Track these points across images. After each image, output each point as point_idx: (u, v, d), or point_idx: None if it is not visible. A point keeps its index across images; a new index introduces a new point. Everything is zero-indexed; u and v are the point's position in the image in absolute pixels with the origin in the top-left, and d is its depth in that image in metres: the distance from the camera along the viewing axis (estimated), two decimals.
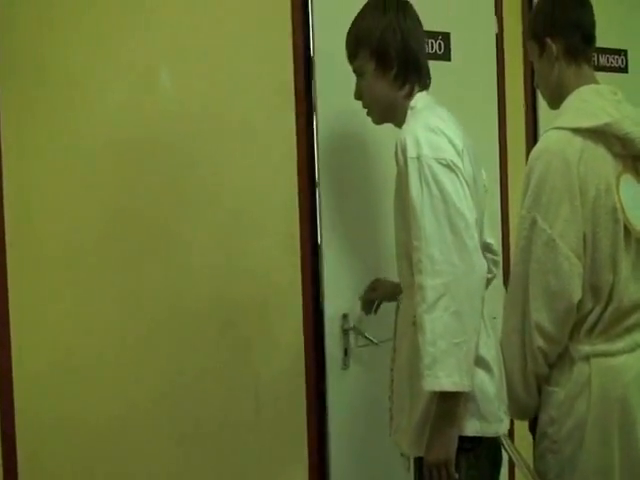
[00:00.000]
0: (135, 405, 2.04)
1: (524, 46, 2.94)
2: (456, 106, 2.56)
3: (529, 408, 1.94)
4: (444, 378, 1.68)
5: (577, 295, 1.79)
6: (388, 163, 2.36)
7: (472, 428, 1.78)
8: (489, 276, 2.07)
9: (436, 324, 1.68)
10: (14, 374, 1.88)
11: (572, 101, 1.91)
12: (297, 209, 2.34)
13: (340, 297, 2.32)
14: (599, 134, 1.82)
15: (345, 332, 2.32)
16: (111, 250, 2.01)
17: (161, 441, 2.08)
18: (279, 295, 2.32)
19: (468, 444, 1.79)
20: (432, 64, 2.52)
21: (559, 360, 1.87)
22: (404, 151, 1.76)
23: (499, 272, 2.21)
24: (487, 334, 1.83)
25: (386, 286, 2.25)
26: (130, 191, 2.03)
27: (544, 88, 2.02)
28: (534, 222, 1.80)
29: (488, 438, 1.82)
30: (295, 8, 2.32)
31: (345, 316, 2.32)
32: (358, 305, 2.30)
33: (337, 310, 2.32)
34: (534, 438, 1.95)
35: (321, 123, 2.31)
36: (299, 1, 2.33)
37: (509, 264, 2.84)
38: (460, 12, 2.70)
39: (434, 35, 2.59)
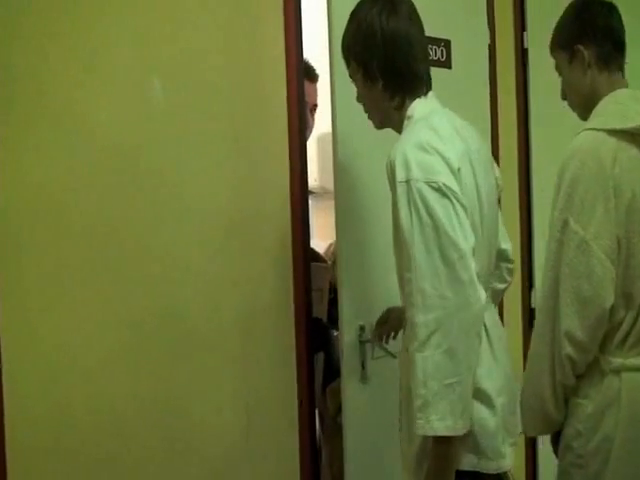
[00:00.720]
0: (124, 414, 1.97)
1: (516, 56, 2.99)
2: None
3: (557, 422, 1.85)
4: (436, 422, 1.59)
5: (610, 301, 1.72)
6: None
7: (469, 463, 1.69)
8: (502, 286, 2.06)
9: (427, 363, 1.59)
10: (4, 386, 1.77)
11: (606, 103, 1.86)
12: (289, 218, 2.31)
13: (356, 308, 2.25)
14: (634, 136, 1.77)
15: (362, 343, 2.25)
16: (98, 262, 1.94)
17: (150, 451, 2.02)
18: (270, 308, 2.28)
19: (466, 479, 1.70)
20: (434, 71, 2.58)
21: (588, 371, 1.78)
22: (393, 173, 1.66)
23: (514, 280, 2.19)
24: (494, 360, 1.75)
25: (398, 316, 2.14)
26: (116, 202, 1.96)
27: (575, 96, 1.96)
28: (566, 224, 1.73)
29: (489, 475, 1.73)
30: (287, 13, 2.29)
31: (362, 327, 2.25)
32: (375, 316, 2.23)
33: (354, 321, 2.25)
34: (555, 452, 1.89)
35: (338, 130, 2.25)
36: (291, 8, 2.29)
37: None
38: (458, 20, 2.70)
39: (437, 42, 2.57)
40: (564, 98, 2.01)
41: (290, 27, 2.29)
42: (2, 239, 1.79)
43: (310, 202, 2.49)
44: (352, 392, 2.24)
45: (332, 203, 2.29)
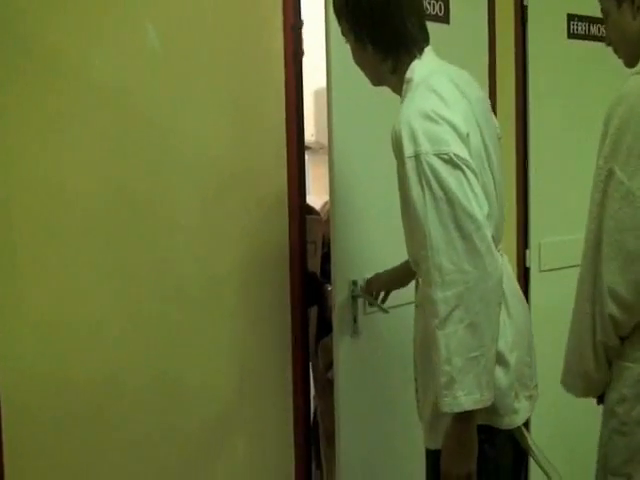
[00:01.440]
0: (118, 371, 1.97)
1: (515, 13, 2.95)
2: None
3: (599, 384, 1.74)
4: (463, 397, 1.56)
5: None
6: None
7: (480, 417, 1.65)
8: None
9: (450, 340, 1.56)
10: None
11: None
12: (285, 173, 2.31)
13: (349, 263, 2.24)
14: None
15: (354, 299, 2.25)
16: (96, 229, 1.94)
17: (144, 407, 2.03)
18: (266, 262, 2.28)
19: (481, 435, 1.66)
20: (433, 26, 2.54)
21: (635, 332, 1.65)
22: (400, 148, 1.60)
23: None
24: (508, 316, 1.72)
25: (380, 281, 2.16)
26: (109, 153, 1.95)
27: (622, 43, 1.78)
28: (611, 173, 1.60)
29: (503, 430, 1.72)
30: None
31: (354, 282, 2.24)
32: (368, 271, 2.24)
33: (346, 276, 2.24)
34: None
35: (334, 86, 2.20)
36: None
37: None
38: None
39: None
40: (609, 44, 1.84)
41: None
42: None
43: (306, 157, 2.49)
44: (344, 347, 2.24)
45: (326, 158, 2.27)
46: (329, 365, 2.42)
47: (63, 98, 1.86)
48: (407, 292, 2.28)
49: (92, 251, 1.92)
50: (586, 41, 3.04)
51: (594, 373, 1.71)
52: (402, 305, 2.25)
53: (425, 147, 1.56)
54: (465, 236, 1.55)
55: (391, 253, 2.17)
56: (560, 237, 3.03)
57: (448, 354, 1.56)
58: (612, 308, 1.62)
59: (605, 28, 1.84)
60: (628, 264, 1.60)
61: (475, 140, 1.65)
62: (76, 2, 1.87)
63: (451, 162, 1.56)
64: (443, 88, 1.66)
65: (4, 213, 1.79)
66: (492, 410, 1.67)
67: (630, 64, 1.78)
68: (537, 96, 2.97)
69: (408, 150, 1.58)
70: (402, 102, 1.71)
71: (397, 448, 2.35)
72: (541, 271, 3.01)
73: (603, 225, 1.63)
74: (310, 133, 2.37)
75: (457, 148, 1.58)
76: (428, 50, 1.77)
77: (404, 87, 1.73)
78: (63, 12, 1.85)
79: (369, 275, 2.23)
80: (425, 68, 1.72)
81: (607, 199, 1.62)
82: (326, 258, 2.39)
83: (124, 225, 1.98)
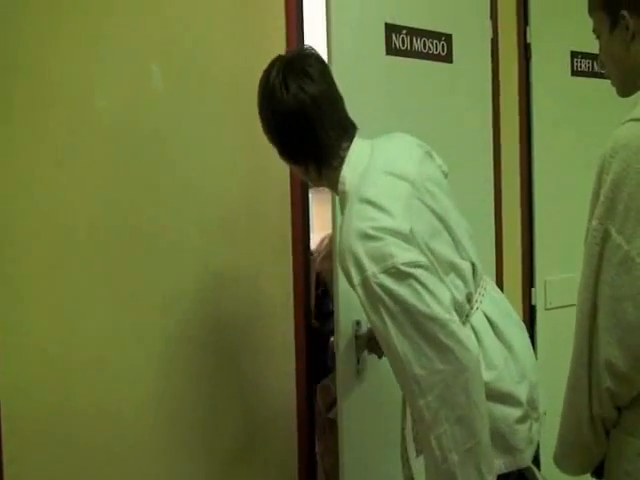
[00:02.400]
0: (124, 422, 1.96)
1: (519, 51, 2.96)
2: (454, 109, 2.61)
3: (597, 457, 1.63)
4: None
5: None
6: None
7: (507, 464, 1.67)
8: None
9: (441, 440, 1.55)
10: None
11: None
12: (289, 212, 2.29)
13: (352, 303, 2.21)
14: None
15: (357, 338, 2.22)
16: (98, 253, 1.93)
17: (149, 439, 2.01)
18: (269, 302, 2.27)
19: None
20: (435, 65, 2.57)
21: (635, 403, 1.54)
22: (348, 276, 1.60)
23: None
24: (508, 349, 1.71)
25: None
26: (115, 188, 1.95)
27: (614, 69, 1.66)
28: (607, 235, 1.47)
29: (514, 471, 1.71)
30: (289, 5, 2.29)
31: (358, 322, 2.22)
32: None
33: (349, 316, 2.22)
34: None
35: None
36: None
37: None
38: (460, 14, 2.67)
39: (438, 36, 2.56)
40: (601, 67, 1.72)
41: (291, 18, 2.28)
42: None
43: (310, 195, 2.48)
44: (347, 387, 2.22)
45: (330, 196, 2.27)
46: (329, 406, 2.40)
47: (65, 128, 1.87)
48: None
49: (94, 282, 1.92)
50: (590, 78, 3.04)
51: (594, 447, 1.60)
52: None
53: (371, 269, 1.55)
54: (431, 339, 1.54)
55: None
56: (566, 275, 3.00)
57: (443, 453, 1.56)
58: (609, 382, 1.50)
59: (599, 50, 1.70)
60: (626, 335, 1.47)
61: (422, 226, 1.64)
62: (76, 34, 1.89)
63: (399, 274, 1.55)
64: (376, 191, 1.64)
65: (4, 240, 1.79)
66: (514, 449, 1.67)
67: (622, 93, 1.67)
68: (541, 134, 2.97)
69: (355, 278, 1.58)
70: (342, 216, 1.70)
71: None
72: (547, 309, 2.98)
73: (599, 293, 1.50)
74: None
75: (402, 255, 1.56)
76: (355, 143, 1.74)
77: (341, 199, 1.74)
78: (64, 44, 1.87)
79: None
80: (354, 172, 1.70)
81: (603, 264, 1.49)
82: (324, 297, 2.38)
83: (127, 260, 1.97)
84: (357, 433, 2.24)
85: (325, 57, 2.18)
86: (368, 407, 2.26)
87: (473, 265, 1.76)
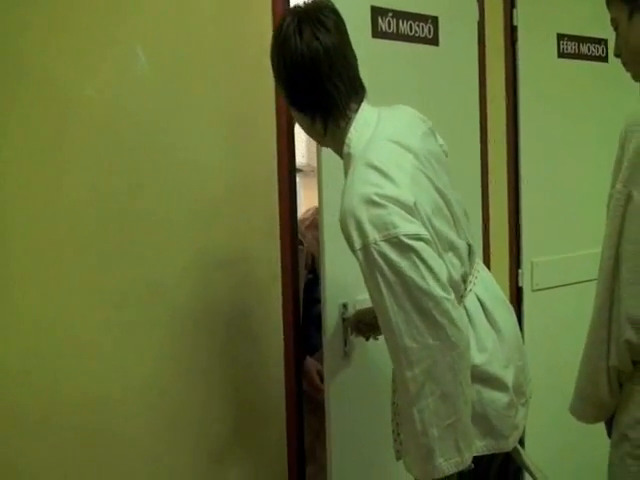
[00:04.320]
0: (113, 412, 1.96)
1: (505, 34, 2.97)
2: (441, 92, 2.62)
3: (610, 408, 1.73)
4: (444, 463, 1.58)
5: None
6: None
7: (488, 446, 1.69)
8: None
9: (424, 414, 1.57)
10: None
11: None
12: (277, 196, 2.29)
13: (339, 286, 2.24)
14: None
15: (345, 321, 2.24)
16: (86, 241, 1.92)
17: (137, 435, 2.01)
18: (257, 286, 2.27)
19: (486, 463, 1.70)
20: (421, 48, 2.57)
21: None
22: (349, 239, 1.60)
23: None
24: (497, 332, 1.74)
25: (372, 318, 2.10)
26: (101, 174, 1.94)
27: (631, 56, 1.74)
28: (630, 198, 1.58)
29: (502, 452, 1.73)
30: None
31: (345, 305, 2.25)
32: (357, 293, 2.23)
33: (336, 299, 2.24)
34: (609, 434, 1.78)
35: None
36: None
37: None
38: None
39: (424, 18, 2.55)
40: (617, 55, 1.79)
41: (278, 10, 2.25)
42: None
43: (298, 180, 2.48)
44: (334, 369, 2.23)
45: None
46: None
47: (52, 117, 1.86)
48: None
49: (83, 271, 1.91)
50: (576, 60, 3.05)
51: (608, 398, 1.69)
52: None
53: (373, 236, 1.56)
54: (424, 313, 1.56)
55: None
56: (552, 256, 3.04)
57: (423, 427, 1.58)
58: (630, 334, 1.60)
59: (615, 38, 1.77)
60: None
61: (425, 200, 1.64)
62: (69, 27, 1.88)
63: (400, 244, 1.55)
64: (383, 158, 1.64)
65: None
66: (497, 434, 1.69)
67: (638, 78, 1.75)
68: (528, 116, 2.98)
69: (357, 242, 1.58)
70: (345, 179, 1.69)
71: (388, 470, 2.33)
72: (534, 290, 3.01)
73: (622, 250, 1.60)
74: (301, 154, 2.36)
75: (405, 226, 1.56)
76: (363, 108, 1.74)
77: (345, 162, 1.73)
78: (55, 37, 1.86)
79: (360, 297, 2.23)
80: (361, 136, 1.70)
81: (626, 224, 1.59)
82: (310, 284, 2.38)
83: (116, 247, 1.97)
84: (344, 415, 2.26)
85: None
86: (355, 389, 2.28)
87: (469, 246, 1.77)
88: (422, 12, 2.54)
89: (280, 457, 2.33)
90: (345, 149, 1.71)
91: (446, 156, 1.86)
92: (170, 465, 2.08)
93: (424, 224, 1.61)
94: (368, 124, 1.71)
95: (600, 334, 1.66)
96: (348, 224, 1.59)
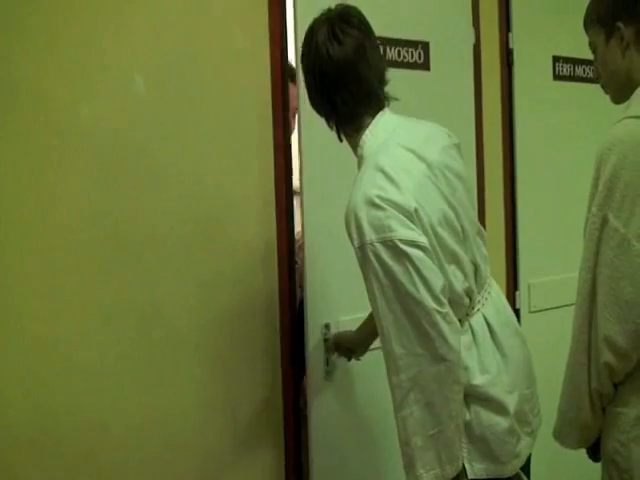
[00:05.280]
0: (110, 436, 1.98)
1: (501, 56, 2.99)
2: (434, 116, 2.63)
3: (594, 433, 1.73)
4: (425, 474, 1.59)
5: None
6: None
7: (485, 470, 1.68)
8: None
9: (407, 422, 1.59)
10: None
11: None
12: (274, 216, 2.30)
13: (322, 307, 2.28)
14: None
15: (327, 342, 2.28)
16: (82, 262, 1.94)
17: (134, 454, 2.02)
18: (256, 304, 2.28)
19: None
20: (412, 74, 2.60)
21: (628, 378, 1.65)
22: (350, 237, 1.65)
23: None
24: (502, 356, 1.74)
25: (350, 339, 2.19)
26: (98, 198, 1.97)
27: (610, 79, 1.78)
28: (605, 221, 1.60)
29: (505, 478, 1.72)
30: (273, 10, 2.29)
31: (327, 326, 2.28)
32: (340, 314, 2.27)
33: (319, 320, 2.28)
34: (593, 460, 1.80)
35: (303, 128, 2.27)
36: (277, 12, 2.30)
37: None
38: (439, 22, 2.70)
39: (414, 44, 2.59)
40: (597, 78, 1.83)
41: (276, 29, 2.30)
42: None
43: (295, 202, 2.49)
44: (316, 388, 2.27)
45: None
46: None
47: (50, 135, 1.89)
48: None
49: (78, 290, 1.92)
50: (572, 82, 3.06)
51: (591, 422, 1.70)
52: (376, 349, 2.28)
53: (370, 236, 1.59)
54: (414, 322, 1.57)
55: (363, 297, 2.20)
56: (549, 277, 3.04)
57: (407, 436, 1.60)
58: (608, 356, 1.61)
59: (594, 62, 1.82)
60: (625, 313, 1.59)
61: (430, 208, 1.65)
62: (65, 48, 1.91)
63: (395, 248, 1.58)
64: (390, 161, 1.67)
65: None
66: (496, 459, 1.69)
67: (617, 101, 1.79)
68: (524, 137, 2.99)
69: (356, 241, 1.63)
70: (356, 178, 1.73)
71: None
72: (531, 312, 3.01)
73: (598, 273, 1.62)
74: (296, 178, 2.40)
75: (402, 231, 1.59)
76: (380, 116, 1.76)
77: (358, 163, 1.77)
78: (50, 57, 1.89)
79: (342, 318, 2.27)
80: (376, 139, 1.73)
81: (602, 247, 1.61)
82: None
83: (111, 265, 1.98)
84: (327, 433, 2.29)
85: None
86: (337, 409, 2.31)
87: (475, 265, 1.77)
88: (411, 38, 2.58)
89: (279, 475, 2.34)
90: (359, 150, 1.75)
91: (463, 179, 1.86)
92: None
93: (425, 232, 1.63)
94: (385, 129, 1.74)
95: (580, 358, 1.67)
96: (350, 222, 1.64)
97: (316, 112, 1.81)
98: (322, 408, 2.28)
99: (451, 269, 1.68)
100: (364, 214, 1.61)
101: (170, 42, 2.11)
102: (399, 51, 2.55)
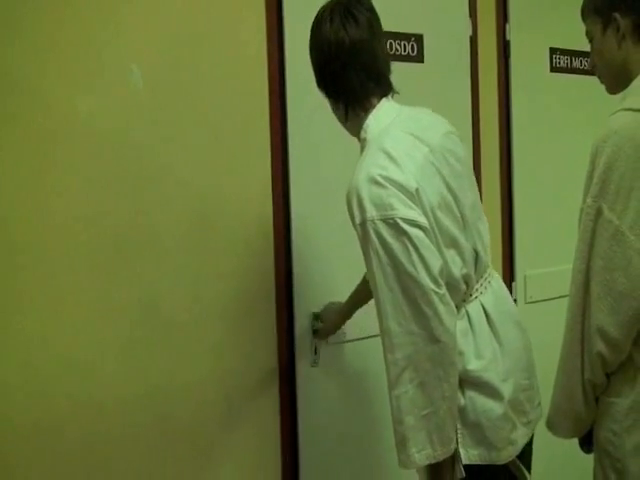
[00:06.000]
0: (109, 426, 2.01)
1: (498, 48, 2.99)
2: (429, 107, 2.64)
3: (587, 423, 1.75)
4: (416, 454, 1.61)
5: None
6: None
7: (479, 456, 1.70)
8: None
9: (401, 400, 1.61)
10: None
11: None
12: (271, 212, 2.32)
13: (310, 295, 2.32)
14: None
15: (315, 331, 2.32)
16: (83, 257, 1.97)
17: (131, 447, 2.06)
18: (252, 295, 2.30)
19: (478, 472, 1.69)
20: (405, 66, 2.61)
21: (620, 368, 1.66)
22: (351, 215, 1.66)
23: None
24: (499, 344, 1.75)
25: (331, 318, 2.25)
26: (96, 193, 1.99)
27: (605, 69, 1.79)
28: (600, 212, 1.61)
29: (500, 465, 1.72)
30: (269, 9, 2.31)
31: (315, 315, 2.32)
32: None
33: (307, 308, 2.31)
34: (585, 451, 1.82)
35: (295, 127, 2.32)
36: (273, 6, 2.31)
37: None
38: (433, 14, 2.71)
39: (407, 37, 2.61)
40: (592, 67, 1.84)
41: (272, 24, 2.31)
42: None
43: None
44: (304, 378, 2.30)
45: None
46: None
47: (47, 134, 1.91)
48: (368, 325, 2.33)
49: (77, 286, 1.95)
50: (568, 74, 3.06)
51: (584, 412, 1.71)
52: (365, 338, 2.33)
53: (371, 213, 1.61)
54: (411, 300, 1.59)
55: (351, 286, 2.23)
56: (546, 269, 3.04)
57: (400, 414, 1.61)
58: (601, 347, 1.62)
59: (590, 52, 1.83)
60: (618, 303, 1.60)
61: (431, 190, 1.67)
62: (62, 50, 1.94)
63: (396, 227, 1.60)
64: (394, 144, 1.69)
65: None
66: (490, 444, 1.70)
67: (612, 91, 1.80)
68: (520, 130, 2.99)
69: (357, 218, 1.64)
70: (358, 160, 1.75)
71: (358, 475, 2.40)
72: (527, 303, 3.01)
73: (592, 264, 1.64)
74: None
75: (403, 210, 1.61)
76: (385, 101, 1.80)
77: (361, 146, 1.79)
78: (50, 58, 1.92)
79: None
80: (378, 124, 1.76)
81: (596, 238, 1.62)
82: None
83: (110, 262, 2.00)
84: (314, 423, 2.32)
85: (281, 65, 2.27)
86: (325, 398, 2.35)
87: (476, 252, 1.78)
88: (404, 31, 2.59)
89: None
90: (362, 134, 1.77)
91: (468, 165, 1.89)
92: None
93: (425, 213, 1.64)
94: (388, 114, 1.77)
95: (574, 348, 1.68)
96: (352, 200, 1.65)
97: (324, 94, 1.82)
98: (310, 396, 2.32)
99: (450, 254, 1.69)
100: (366, 192, 1.62)
101: (168, 38, 2.12)
102: (391, 44, 2.56)
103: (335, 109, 1.83)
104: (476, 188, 1.86)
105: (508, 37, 2.98)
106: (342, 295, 2.24)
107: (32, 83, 1.90)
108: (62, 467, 1.94)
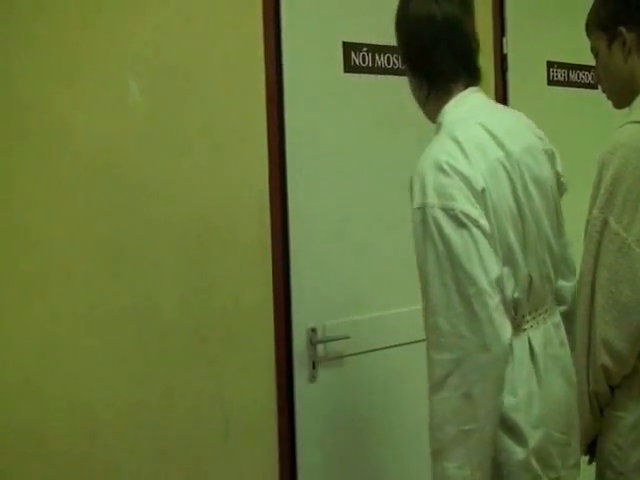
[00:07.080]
0: (102, 421, 2.00)
1: (495, 62, 3.00)
2: (426, 123, 2.64)
3: (591, 434, 1.74)
4: (452, 469, 1.47)
5: None
6: (365, 171, 2.40)
7: None
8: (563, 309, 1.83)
9: (444, 407, 1.48)
10: None
11: None
12: (269, 219, 2.31)
13: (308, 309, 2.31)
14: None
15: (313, 345, 2.32)
16: (77, 266, 1.97)
17: (128, 459, 2.05)
18: (249, 309, 2.29)
19: None
20: (403, 80, 2.60)
21: (626, 382, 1.66)
22: (412, 197, 1.56)
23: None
24: (538, 386, 1.60)
25: None
26: (92, 205, 1.99)
27: (611, 84, 1.79)
28: (606, 224, 1.61)
29: None
30: (267, 11, 2.31)
31: (313, 330, 2.32)
32: (326, 318, 2.31)
33: (305, 323, 2.31)
34: (590, 460, 1.81)
35: (293, 133, 2.32)
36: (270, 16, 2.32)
37: None
38: None
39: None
40: (598, 82, 1.84)
41: (269, 33, 2.31)
42: None
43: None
44: (302, 392, 2.30)
45: None
46: None
47: (42, 151, 1.91)
48: (366, 341, 2.35)
49: (72, 298, 1.94)
50: (566, 87, 3.07)
51: (590, 423, 1.72)
52: (363, 353, 2.33)
53: (432, 200, 1.50)
54: (465, 299, 1.47)
55: (350, 302, 2.24)
56: None
57: (441, 421, 1.49)
58: (605, 359, 1.62)
59: (595, 67, 1.82)
60: (623, 316, 1.60)
61: (498, 195, 1.56)
62: (52, 55, 1.93)
63: (457, 219, 1.49)
64: (467, 136, 1.58)
65: None
66: None
67: (618, 106, 1.81)
68: None
69: (416, 201, 1.54)
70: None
71: None
72: None
73: (597, 276, 1.63)
74: None
75: (466, 206, 1.50)
76: (469, 91, 1.69)
77: (435, 130, 1.69)
78: (47, 67, 1.92)
79: (329, 322, 2.30)
80: (456, 112, 1.66)
81: (602, 250, 1.62)
82: None
83: (107, 275, 2.00)
84: (312, 436, 2.32)
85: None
86: (323, 412, 2.35)
87: (531, 279, 1.62)
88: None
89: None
90: (439, 118, 1.67)
91: (560, 188, 1.80)
92: None
93: (488, 217, 1.53)
94: (471, 105, 1.67)
95: (581, 360, 1.68)
96: (415, 182, 1.56)
97: (408, 73, 1.74)
98: (308, 411, 2.32)
99: (504, 270, 1.56)
100: (431, 177, 1.52)
101: (164, 48, 2.11)
102: (388, 58, 2.57)
103: (417, 88, 1.74)
104: (560, 226, 1.75)
105: (505, 50, 2.99)
106: (342, 310, 2.24)
107: (32, 95, 1.90)
108: (55, 477, 1.92)
